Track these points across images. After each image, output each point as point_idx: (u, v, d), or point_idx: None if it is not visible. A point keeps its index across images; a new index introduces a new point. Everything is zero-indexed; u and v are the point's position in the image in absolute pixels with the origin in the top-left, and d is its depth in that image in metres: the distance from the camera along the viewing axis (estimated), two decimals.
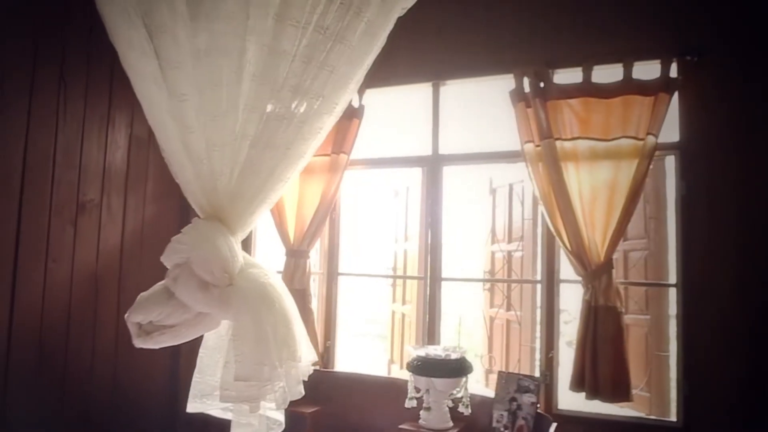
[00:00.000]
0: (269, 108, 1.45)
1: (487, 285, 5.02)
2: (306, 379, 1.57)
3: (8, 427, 2.77)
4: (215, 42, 1.39)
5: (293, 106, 1.46)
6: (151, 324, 1.57)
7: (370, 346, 7.10)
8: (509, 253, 4.61)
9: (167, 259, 1.56)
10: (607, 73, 2.88)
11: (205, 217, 1.58)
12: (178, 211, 3.80)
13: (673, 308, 2.92)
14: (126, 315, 1.60)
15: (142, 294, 1.62)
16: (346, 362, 3.69)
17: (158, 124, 1.53)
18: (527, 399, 2.74)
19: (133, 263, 3.46)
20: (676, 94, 2.78)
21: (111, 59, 3.29)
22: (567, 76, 2.97)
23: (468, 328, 4.66)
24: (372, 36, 1.52)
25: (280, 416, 1.68)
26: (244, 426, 1.63)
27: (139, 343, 1.60)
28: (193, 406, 1.71)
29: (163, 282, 1.58)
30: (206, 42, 1.39)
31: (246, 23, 1.34)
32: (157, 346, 1.61)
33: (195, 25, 1.37)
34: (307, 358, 1.56)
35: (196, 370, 1.71)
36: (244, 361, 1.43)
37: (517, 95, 2.99)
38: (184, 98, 1.42)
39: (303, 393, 1.55)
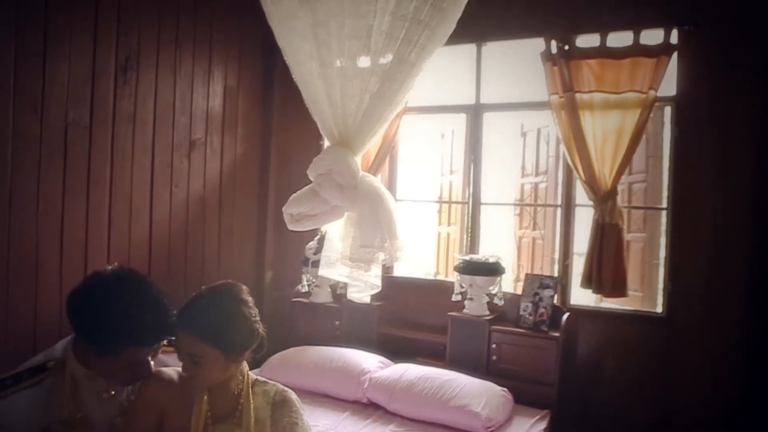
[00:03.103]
0: (383, 73, 2.21)
1: (517, 210, 5.85)
2: (402, 251, 2.37)
3: None
4: (354, 30, 2.14)
5: (397, 72, 2.21)
6: (299, 214, 2.37)
7: None
8: (536, 184, 5.41)
9: (313, 171, 2.33)
10: (620, 38, 3.42)
11: (335, 144, 2.36)
12: (260, 150, 4.60)
13: (664, 227, 3.63)
14: (283, 208, 2.41)
15: (293, 194, 2.42)
16: None
17: (307, 82, 2.28)
18: (547, 293, 3.53)
19: (229, 189, 4.28)
20: (674, 57, 3.32)
21: (209, 23, 4.03)
22: (587, 40, 3.50)
23: (501, 245, 5.47)
24: (449, 21, 2.25)
25: (378, 282, 2.50)
26: (356, 285, 2.46)
27: (292, 227, 2.41)
28: (323, 272, 2.55)
29: (309, 186, 2.38)
30: (348, 30, 2.14)
31: (373, 21, 2.10)
32: (303, 229, 2.44)
33: (343, 18, 2.11)
34: (401, 237, 2.36)
35: (324, 248, 2.54)
36: (365, 235, 2.23)
37: (546, 55, 3.55)
38: (331, 66, 2.18)
39: (400, 258, 2.35)
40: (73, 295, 1.52)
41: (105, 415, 1.61)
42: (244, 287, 1.63)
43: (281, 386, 1.75)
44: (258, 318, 1.61)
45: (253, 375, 1.74)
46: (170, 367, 1.67)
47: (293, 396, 1.74)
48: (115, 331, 1.45)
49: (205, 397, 1.60)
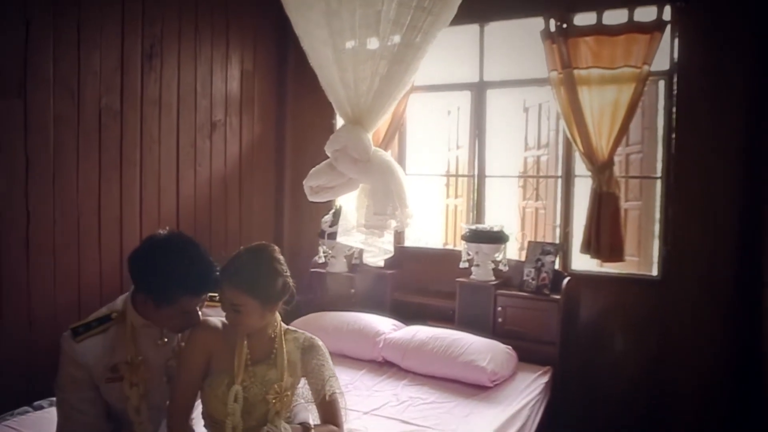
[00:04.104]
0: (391, 56, 2.44)
1: (521, 182, 6.11)
2: (411, 218, 2.61)
3: None
4: (365, 18, 2.37)
5: (404, 55, 2.44)
6: (318, 186, 2.62)
7: None
8: (538, 157, 5.65)
9: (330, 147, 2.58)
10: (615, 16, 3.58)
11: (349, 122, 2.60)
12: (276, 129, 4.84)
13: (658, 195, 3.84)
14: (304, 181, 2.66)
15: (313, 168, 2.68)
16: None
17: (323, 67, 2.51)
18: (549, 259, 3.77)
19: (248, 167, 4.52)
20: (667, 33, 3.50)
21: (225, 11, 4.25)
22: (584, 18, 3.66)
23: (505, 215, 5.74)
24: (450, 8, 2.47)
25: (391, 247, 2.76)
26: (371, 251, 2.72)
27: (312, 198, 2.67)
28: (341, 239, 2.81)
29: (327, 161, 2.63)
30: (359, 19, 2.36)
31: (381, 8, 2.32)
32: (322, 200, 2.70)
33: (354, 6, 2.34)
34: (411, 206, 2.60)
35: (341, 217, 2.81)
36: (378, 204, 2.48)
37: (546, 34, 3.72)
38: (344, 51, 2.41)
39: (410, 225, 2.60)
40: (134, 255, 1.79)
41: (161, 358, 1.89)
42: (277, 248, 1.89)
43: (309, 334, 2.02)
44: (289, 273, 1.87)
45: (284, 325, 2.00)
46: (214, 317, 1.94)
47: (320, 342, 2.01)
48: (170, 283, 1.72)
49: (245, 342, 1.87)
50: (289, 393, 1.90)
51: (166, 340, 1.90)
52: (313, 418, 2.00)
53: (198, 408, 1.91)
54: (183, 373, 1.86)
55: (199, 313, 1.87)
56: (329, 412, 1.95)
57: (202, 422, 1.91)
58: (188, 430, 1.85)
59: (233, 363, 1.84)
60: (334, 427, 1.95)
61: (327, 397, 1.93)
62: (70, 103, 3.17)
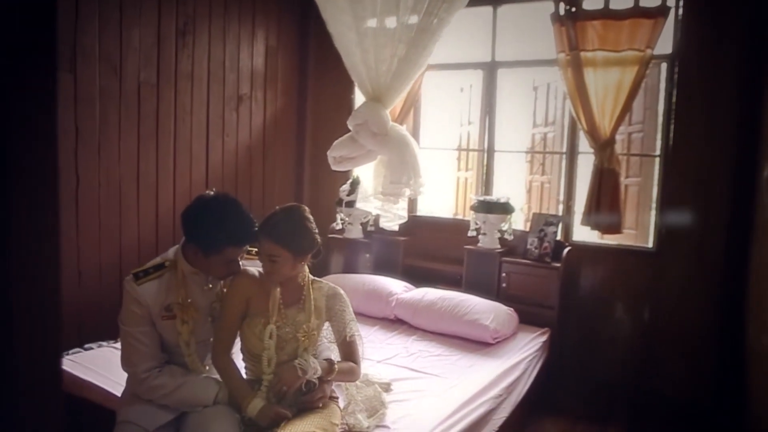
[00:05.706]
0: (410, 40, 2.70)
1: (528, 157, 6.37)
2: (423, 187, 2.89)
3: None
4: (386, 5, 2.62)
5: (420, 39, 2.70)
6: (341, 157, 2.91)
7: None
8: (545, 134, 5.90)
9: (352, 121, 2.85)
10: (622, 0, 3.76)
11: (369, 99, 2.87)
12: (297, 104, 5.11)
13: (657, 172, 4.08)
14: (328, 152, 2.95)
15: (336, 140, 2.96)
16: None
17: (346, 48, 2.78)
18: (551, 230, 4.04)
19: (271, 138, 4.81)
20: (671, 18, 3.71)
21: None
22: (592, 2, 3.85)
23: (513, 189, 6.02)
24: None
25: (405, 213, 3.05)
26: (387, 216, 3.02)
27: (335, 167, 2.96)
28: (360, 204, 3.11)
29: (348, 134, 2.91)
30: (381, 5, 2.62)
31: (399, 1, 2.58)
32: (344, 169, 2.99)
33: None
34: (423, 176, 2.88)
35: (360, 186, 3.10)
36: (394, 173, 2.76)
37: (555, 17, 3.91)
38: (366, 34, 2.68)
39: (422, 193, 2.89)
40: (186, 211, 2.09)
41: (206, 301, 2.20)
42: (307, 208, 2.19)
43: (332, 284, 2.33)
44: (317, 231, 2.17)
45: (311, 276, 2.31)
46: (252, 267, 2.25)
47: (342, 291, 2.32)
48: (217, 235, 2.02)
49: (278, 289, 2.18)
50: (315, 333, 2.21)
51: (211, 285, 2.21)
52: (335, 356, 2.31)
53: (238, 344, 2.23)
54: (225, 314, 2.17)
55: (240, 263, 2.17)
56: (349, 351, 2.27)
57: (241, 356, 2.23)
58: (229, 362, 2.17)
59: (268, 306, 2.15)
60: (354, 364, 2.27)
61: (347, 338, 2.25)
62: (113, 77, 3.47)
